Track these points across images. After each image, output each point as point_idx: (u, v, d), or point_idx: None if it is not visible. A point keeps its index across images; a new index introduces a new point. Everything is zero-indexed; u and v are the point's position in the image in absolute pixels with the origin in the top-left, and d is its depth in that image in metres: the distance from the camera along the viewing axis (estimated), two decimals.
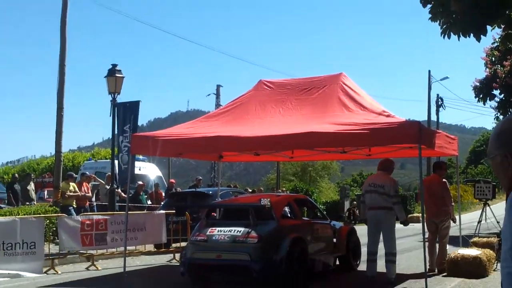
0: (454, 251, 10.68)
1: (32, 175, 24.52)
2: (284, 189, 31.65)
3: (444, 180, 11.24)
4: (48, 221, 12.92)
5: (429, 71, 43.48)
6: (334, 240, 11.18)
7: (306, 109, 10.77)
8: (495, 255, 10.61)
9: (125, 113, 17.51)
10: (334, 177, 62.79)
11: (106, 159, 27.86)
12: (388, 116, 9.92)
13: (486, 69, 18.20)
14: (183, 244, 12.54)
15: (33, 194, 18.79)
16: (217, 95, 48.92)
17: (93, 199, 18.31)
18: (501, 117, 17.76)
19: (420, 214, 11.12)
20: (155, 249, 14.40)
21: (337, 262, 11.32)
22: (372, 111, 10.18)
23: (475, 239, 12.39)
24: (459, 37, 8.72)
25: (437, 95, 44.93)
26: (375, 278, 9.90)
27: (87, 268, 12.04)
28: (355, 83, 11.30)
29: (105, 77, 17.20)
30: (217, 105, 45.00)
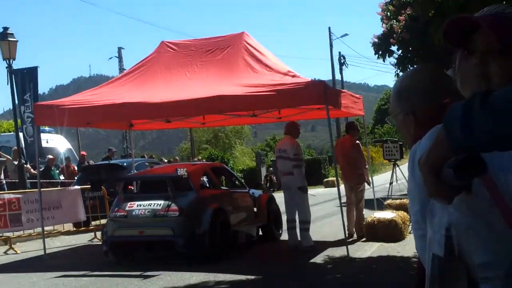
0: (370, 215, 11.01)
1: None
2: (200, 157, 31.58)
3: (357, 141, 11.30)
4: None
5: (329, 28, 43.49)
6: (255, 209, 11.25)
7: (212, 71, 10.64)
8: (409, 217, 11.03)
9: (23, 80, 16.86)
10: (248, 142, 63.22)
11: (10, 131, 26.60)
12: (293, 76, 9.96)
13: (382, 24, 18.23)
14: (103, 221, 12.26)
15: None
16: (120, 58, 47.39)
17: (1, 176, 17.49)
18: (401, 73, 17.88)
19: (335, 178, 11.24)
20: (75, 228, 13.97)
21: (260, 232, 11.41)
22: (277, 71, 10.18)
23: (389, 201, 12.81)
24: None
25: (339, 52, 45.45)
26: (297, 246, 9.97)
27: (5, 252, 11.50)
28: (258, 42, 11.27)
29: None
30: (121, 69, 43.66)
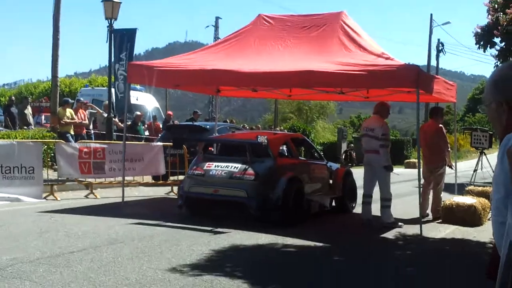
0: (449, 199, 10.75)
1: (29, 98, 24.36)
2: (282, 128, 31.70)
3: (440, 126, 11.11)
4: (46, 146, 12.92)
5: (431, 14, 42.77)
6: (330, 181, 11.24)
7: (305, 47, 10.67)
8: (490, 204, 10.69)
9: (122, 40, 17.29)
10: (331, 117, 62.83)
11: (103, 86, 27.68)
12: (387, 58, 9.87)
13: (488, 15, 17.84)
14: (181, 177, 12.60)
15: (30, 119, 18.72)
16: (216, 27, 48.17)
17: (91, 127, 18.28)
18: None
19: (416, 160, 11.10)
20: (153, 181, 14.48)
21: (333, 204, 11.40)
22: (371, 52, 10.10)
23: (471, 187, 12.46)
24: None
25: (438, 39, 44.36)
26: (370, 221, 9.94)
27: (86, 196, 12.14)
28: (356, 23, 11.13)
29: (101, 1, 16.87)
30: (216, 37, 44.36)
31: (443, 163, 10.83)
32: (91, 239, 7.48)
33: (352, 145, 31.49)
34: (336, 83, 9.96)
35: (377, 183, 10.13)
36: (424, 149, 10.93)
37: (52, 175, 12.32)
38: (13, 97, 20.68)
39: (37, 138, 13.75)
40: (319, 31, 10.89)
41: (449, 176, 11.44)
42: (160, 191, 13.47)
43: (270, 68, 9.80)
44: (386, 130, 10.17)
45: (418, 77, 8.89)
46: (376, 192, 10.12)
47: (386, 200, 9.95)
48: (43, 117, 25.71)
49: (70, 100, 17.76)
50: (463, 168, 16.98)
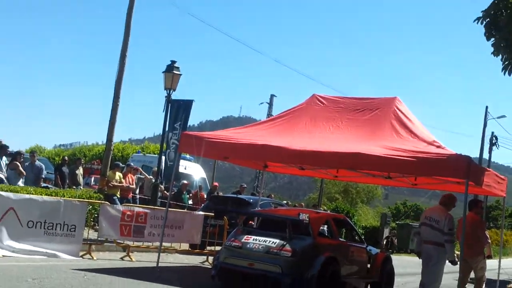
0: None
1: (82, 160, 25.08)
2: (325, 207, 31.47)
3: (479, 218, 10.89)
4: (91, 206, 13.24)
5: (487, 107, 42.35)
6: (368, 265, 11.06)
7: (356, 130, 10.77)
8: None
9: (178, 110, 17.72)
10: (375, 201, 61.87)
11: (155, 154, 28.30)
12: (438, 147, 9.78)
13: None
14: (218, 248, 12.62)
15: (80, 179, 19.21)
16: (270, 104, 49.08)
17: (137, 191, 18.63)
18: None
19: (459, 253, 10.85)
20: (190, 249, 14.53)
21: None
22: (423, 139, 10.08)
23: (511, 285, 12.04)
24: None
25: (492, 133, 43.70)
26: None
27: (122, 258, 12.27)
28: (408, 109, 11.19)
29: (163, 72, 17.52)
30: (269, 114, 45.12)
31: (483, 256, 10.55)
32: None
33: (394, 231, 30.90)
34: (382, 167, 9.91)
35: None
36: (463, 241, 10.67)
37: (92, 234, 12.54)
38: (66, 158, 21.37)
39: (84, 198, 14.11)
40: (372, 115, 11.00)
41: (492, 272, 11.07)
42: (195, 260, 13.49)
43: (318, 147, 9.90)
44: (452, 223, 9.98)
45: (469, 168, 8.78)
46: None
47: None
48: (92, 178, 26.32)
49: (120, 164, 18.22)
50: (507, 265, 16.38)
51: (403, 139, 10.11)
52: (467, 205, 9.38)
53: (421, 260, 10.19)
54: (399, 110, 10.94)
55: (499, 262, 11.70)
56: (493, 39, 8.54)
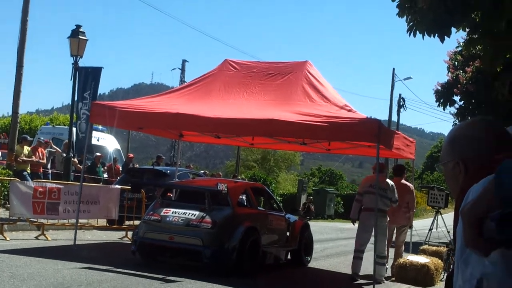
0: (403, 257, 10.79)
1: None
2: (243, 176, 31.68)
3: (410, 184, 11.22)
4: (0, 184, 12.59)
5: (393, 69, 42.84)
6: (288, 233, 11.19)
7: (269, 95, 10.76)
8: (443, 264, 10.76)
9: (86, 78, 17.19)
10: (292, 167, 62.97)
11: (65, 125, 27.35)
12: (349, 111, 9.95)
13: (448, 73, 18.06)
14: (137, 222, 12.39)
15: None
16: (183, 70, 48.31)
17: (48, 166, 17.93)
18: None
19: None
20: (108, 225, 14.19)
21: (289, 257, 11.32)
22: (334, 104, 10.20)
23: (425, 246, 12.57)
24: (423, 36, 8.56)
25: (399, 94, 44.47)
26: (358, 276, 10.01)
27: (36, 237, 11.76)
28: (320, 73, 11.30)
29: (68, 37, 16.83)
30: (182, 80, 44.45)
31: (408, 222, 10.98)
32: (37, 282, 7.24)
33: (311, 197, 31.57)
34: (298, 133, 9.98)
35: (371, 239, 10.12)
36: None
37: (3, 214, 11.96)
38: None
39: None
40: (284, 79, 11.01)
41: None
42: (114, 236, 13.17)
43: (233, 115, 9.83)
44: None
45: (379, 132, 8.91)
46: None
47: (382, 258, 9.99)
48: (0, 153, 25.16)
49: (28, 137, 17.45)
50: (418, 227, 17.11)
51: (315, 104, 10.19)
52: (379, 168, 9.56)
53: (356, 225, 10.51)
54: (311, 74, 11.02)
55: (411, 223, 12.11)
56: (397, 0, 8.60)
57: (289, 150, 40.65)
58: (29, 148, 16.05)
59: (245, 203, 11.53)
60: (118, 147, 25.98)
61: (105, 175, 19.89)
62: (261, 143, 13.85)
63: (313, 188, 37.37)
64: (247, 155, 53.37)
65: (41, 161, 16.38)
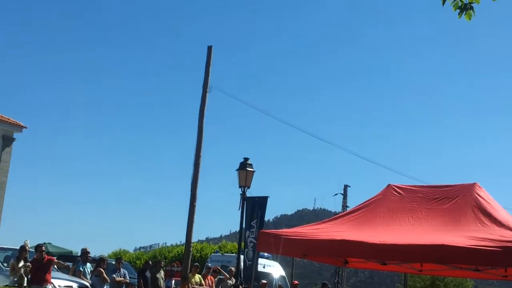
0: None
1: (162, 262, 25.27)
2: None
3: None
4: None
5: None
6: None
7: (437, 220, 10.43)
8: None
9: (254, 208, 17.70)
10: None
11: (232, 252, 28.20)
12: None
13: None
14: None
15: (161, 282, 19.31)
16: (344, 195, 48.35)
17: None
18: None
19: None
20: None
21: None
22: (509, 228, 9.60)
23: None
24: None
25: None
26: None
27: None
28: (490, 195, 10.79)
29: (236, 170, 17.67)
30: (344, 206, 44.42)
31: None
32: None
33: None
34: (469, 259, 9.42)
35: None
36: None
37: None
38: (150, 262, 21.50)
39: None
40: (452, 203, 10.67)
41: None
42: None
43: (399, 241, 9.60)
44: None
45: None
46: None
47: None
48: (173, 281, 26.36)
49: (198, 265, 18.12)
50: None
51: (488, 228, 9.68)
52: None
53: None
54: (480, 196, 10.56)
55: None
56: None
57: (461, 276, 38.14)
58: (200, 276, 16.75)
59: None
60: (283, 273, 26.13)
61: None
62: (431, 269, 13.23)
63: None
64: (415, 281, 50.78)
65: None
